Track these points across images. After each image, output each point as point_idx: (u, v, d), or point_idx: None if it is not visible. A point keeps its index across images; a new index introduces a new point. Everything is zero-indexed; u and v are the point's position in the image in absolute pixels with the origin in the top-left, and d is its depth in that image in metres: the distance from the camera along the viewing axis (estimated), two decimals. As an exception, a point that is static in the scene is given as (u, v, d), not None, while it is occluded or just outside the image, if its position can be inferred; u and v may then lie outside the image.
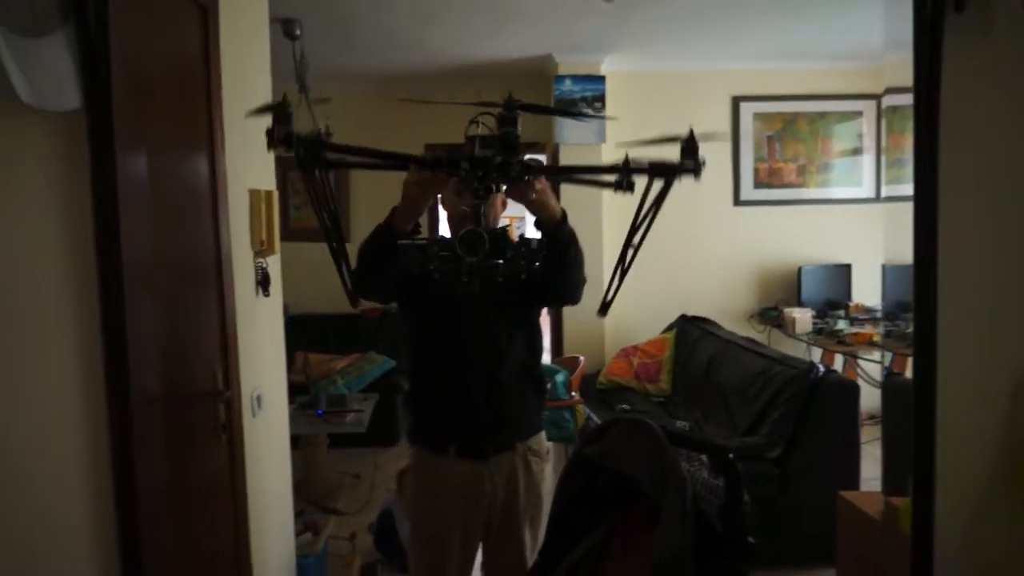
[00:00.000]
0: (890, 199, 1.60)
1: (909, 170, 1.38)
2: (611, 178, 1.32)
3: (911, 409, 1.31)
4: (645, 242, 1.29)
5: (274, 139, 1.19)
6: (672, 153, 1.24)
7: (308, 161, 1.22)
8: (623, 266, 1.32)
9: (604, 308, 1.36)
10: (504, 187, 1.52)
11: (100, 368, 1.37)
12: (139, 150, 1.46)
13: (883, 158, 5.04)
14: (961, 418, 1.30)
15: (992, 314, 1.25)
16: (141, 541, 1.38)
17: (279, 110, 1.18)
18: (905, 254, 1.56)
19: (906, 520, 1.39)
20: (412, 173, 1.54)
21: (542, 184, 1.54)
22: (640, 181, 1.28)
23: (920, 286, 1.31)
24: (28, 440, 1.33)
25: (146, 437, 1.42)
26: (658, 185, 1.25)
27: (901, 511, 1.52)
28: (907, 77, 1.35)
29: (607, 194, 4.49)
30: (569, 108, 4.62)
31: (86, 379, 1.37)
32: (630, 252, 1.30)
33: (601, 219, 4.64)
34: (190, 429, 1.68)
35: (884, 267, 3.31)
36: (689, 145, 1.21)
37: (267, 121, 1.19)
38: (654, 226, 1.27)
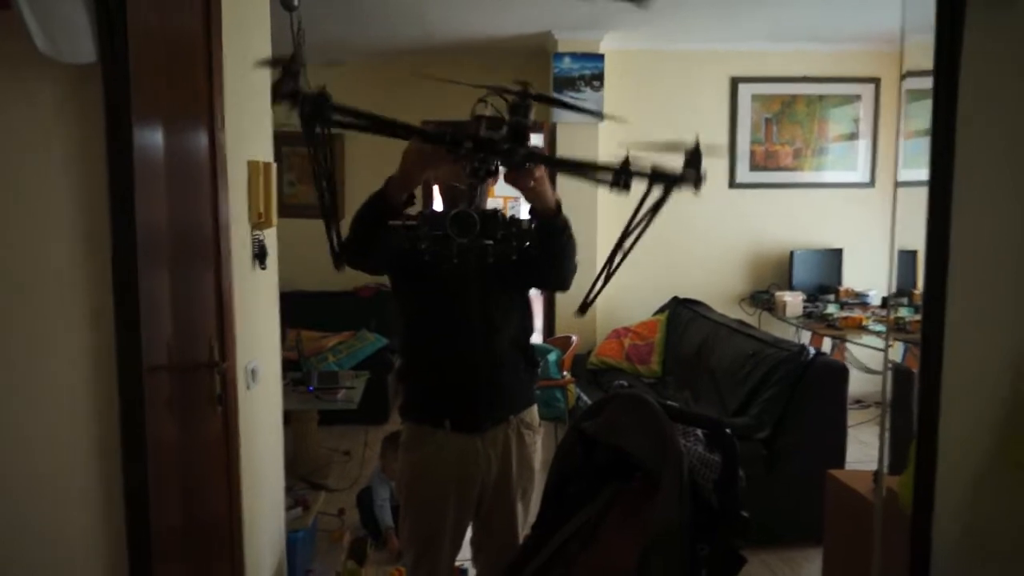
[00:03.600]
0: (905, 184, 1.58)
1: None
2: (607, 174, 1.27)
3: (898, 390, 1.30)
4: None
5: (281, 93, 1.18)
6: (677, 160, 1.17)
7: (312, 118, 1.21)
8: (609, 269, 1.29)
9: (583, 308, 1.35)
10: (503, 171, 1.51)
11: (111, 332, 1.38)
12: (150, 114, 1.44)
13: (879, 142, 5.05)
14: (963, 400, 1.31)
15: (1002, 297, 1.25)
16: (148, 507, 1.39)
17: (288, 64, 1.17)
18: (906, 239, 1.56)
19: (906, 496, 1.40)
20: (413, 144, 1.53)
21: (541, 172, 1.53)
22: (638, 185, 1.23)
23: (931, 270, 1.31)
24: (41, 403, 1.38)
25: (152, 402, 1.42)
26: (657, 192, 1.20)
27: (900, 488, 1.54)
28: (921, 61, 1.32)
29: (603, 192, 4.40)
30: (567, 87, 4.61)
31: (97, 342, 1.39)
32: (618, 256, 1.27)
33: (596, 216, 4.46)
34: (188, 398, 1.68)
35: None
36: (693, 156, 1.17)
37: (268, 83, 1.18)
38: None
